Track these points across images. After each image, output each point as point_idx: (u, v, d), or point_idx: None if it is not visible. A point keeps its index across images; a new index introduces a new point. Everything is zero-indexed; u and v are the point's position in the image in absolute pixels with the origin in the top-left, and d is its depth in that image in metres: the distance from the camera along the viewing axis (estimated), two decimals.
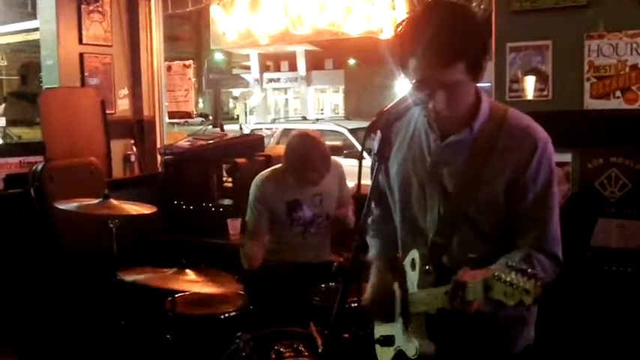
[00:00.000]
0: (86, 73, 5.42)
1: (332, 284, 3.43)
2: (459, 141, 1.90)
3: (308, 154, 3.61)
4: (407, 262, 1.98)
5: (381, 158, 1.78)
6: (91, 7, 5.44)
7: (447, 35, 1.76)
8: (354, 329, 2.84)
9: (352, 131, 11.68)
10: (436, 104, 1.84)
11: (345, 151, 10.10)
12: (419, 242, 1.99)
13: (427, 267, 1.89)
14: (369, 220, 2.17)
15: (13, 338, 3.57)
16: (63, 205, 3.55)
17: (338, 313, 1.77)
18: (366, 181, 1.85)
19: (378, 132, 1.79)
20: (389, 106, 1.79)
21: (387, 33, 4.79)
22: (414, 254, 1.94)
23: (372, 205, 2.06)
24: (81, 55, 5.40)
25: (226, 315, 3.26)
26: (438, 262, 1.90)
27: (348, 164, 4.39)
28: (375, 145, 1.90)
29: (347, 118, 18.21)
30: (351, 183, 4.01)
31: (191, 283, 3.00)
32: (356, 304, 2.07)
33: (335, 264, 3.30)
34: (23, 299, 4.07)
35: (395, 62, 1.87)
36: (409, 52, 1.80)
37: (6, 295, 4.02)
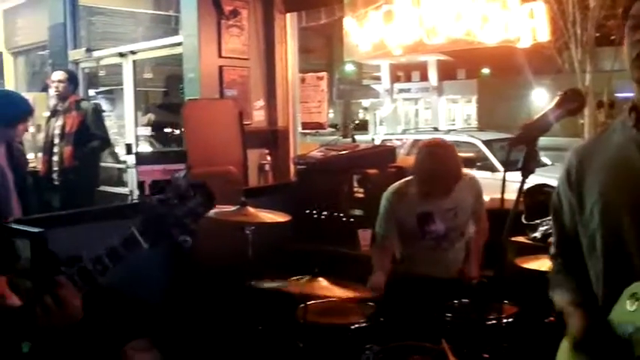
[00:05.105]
0: (224, 85, 5.63)
1: (464, 300, 3.35)
2: None
3: (436, 167, 3.57)
4: (624, 298, 1.65)
5: (525, 173, 1.66)
6: (230, 22, 5.65)
7: None
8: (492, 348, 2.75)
9: (486, 143, 11.27)
10: None
11: (478, 163, 9.85)
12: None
13: None
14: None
15: (157, 337, 3.74)
16: None
17: (476, 330, 1.71)
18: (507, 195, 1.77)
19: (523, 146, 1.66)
20: (534, 119, 1.68)
21: (525, 42, 4.63)
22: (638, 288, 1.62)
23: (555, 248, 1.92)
24: (220, 67, 5.61)
25: (357, 326, 3.26)
26: None
27: (481, 177, 4.27)
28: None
29: (480, 129, 17.81)
30: (485, 197, 3.90)
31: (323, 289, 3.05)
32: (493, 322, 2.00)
33: (475, 281, 3.22)
34: (164, 302, 4.26)
35: None
36: None
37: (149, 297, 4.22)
